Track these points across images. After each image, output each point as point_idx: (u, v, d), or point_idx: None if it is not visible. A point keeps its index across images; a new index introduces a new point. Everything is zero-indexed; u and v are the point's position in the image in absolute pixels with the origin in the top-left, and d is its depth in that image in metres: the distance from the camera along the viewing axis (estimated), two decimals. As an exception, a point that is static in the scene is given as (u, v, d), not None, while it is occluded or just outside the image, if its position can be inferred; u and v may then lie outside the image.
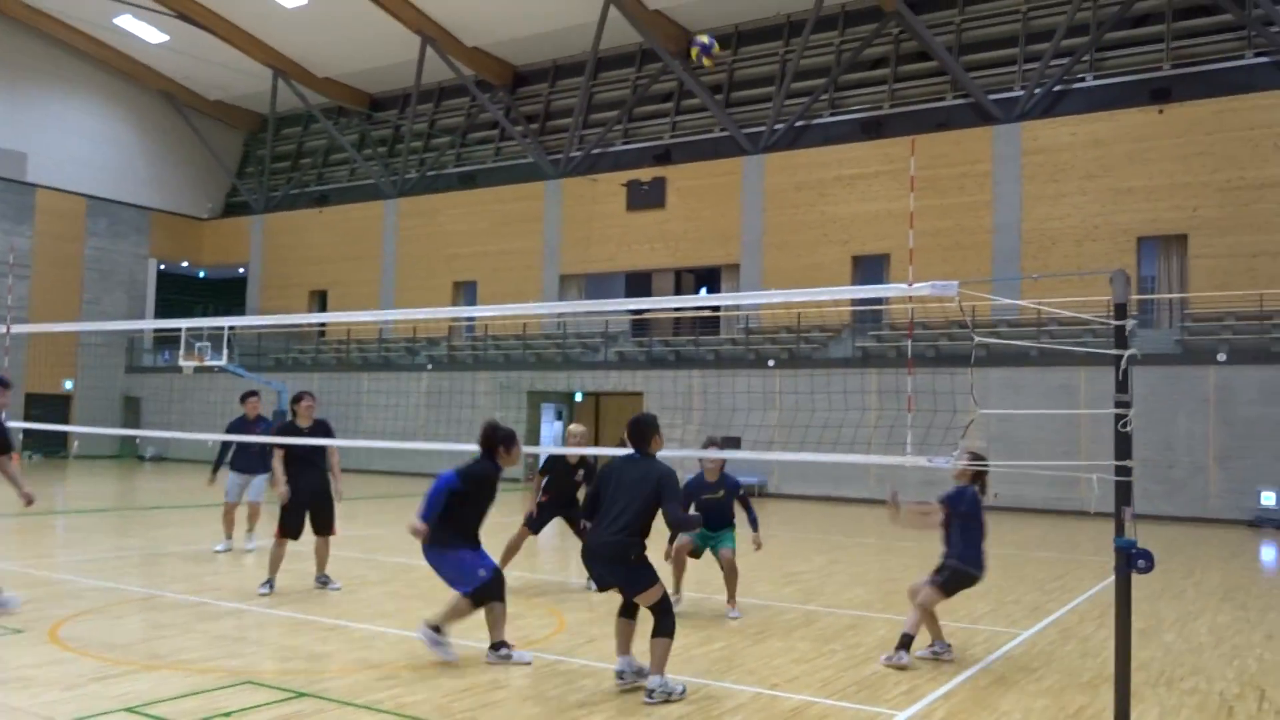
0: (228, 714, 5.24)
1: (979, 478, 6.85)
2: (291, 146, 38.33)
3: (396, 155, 34.77)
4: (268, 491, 10.23)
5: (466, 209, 32.05)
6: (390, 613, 8.14)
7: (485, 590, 6.46)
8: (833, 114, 27.59)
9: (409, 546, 12.70)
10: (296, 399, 9.10)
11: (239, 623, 7.68)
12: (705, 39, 8.99)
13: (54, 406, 32.14)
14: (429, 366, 29.05)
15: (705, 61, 9.03)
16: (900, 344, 22.81)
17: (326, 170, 37.38)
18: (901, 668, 6.59)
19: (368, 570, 10.05)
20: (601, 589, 6.06)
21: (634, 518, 5.76)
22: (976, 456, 6.72)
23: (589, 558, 5.97)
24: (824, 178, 26.28)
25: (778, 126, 27.45)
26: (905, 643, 6.66)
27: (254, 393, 11.65)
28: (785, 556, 12.57)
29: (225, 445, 11.53)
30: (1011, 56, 25.60)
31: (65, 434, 31.33)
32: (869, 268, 25.85)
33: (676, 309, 25.51)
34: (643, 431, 6.04)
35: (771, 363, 23.96)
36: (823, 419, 18.86)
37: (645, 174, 28.78)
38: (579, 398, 28.73)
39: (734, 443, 20.73)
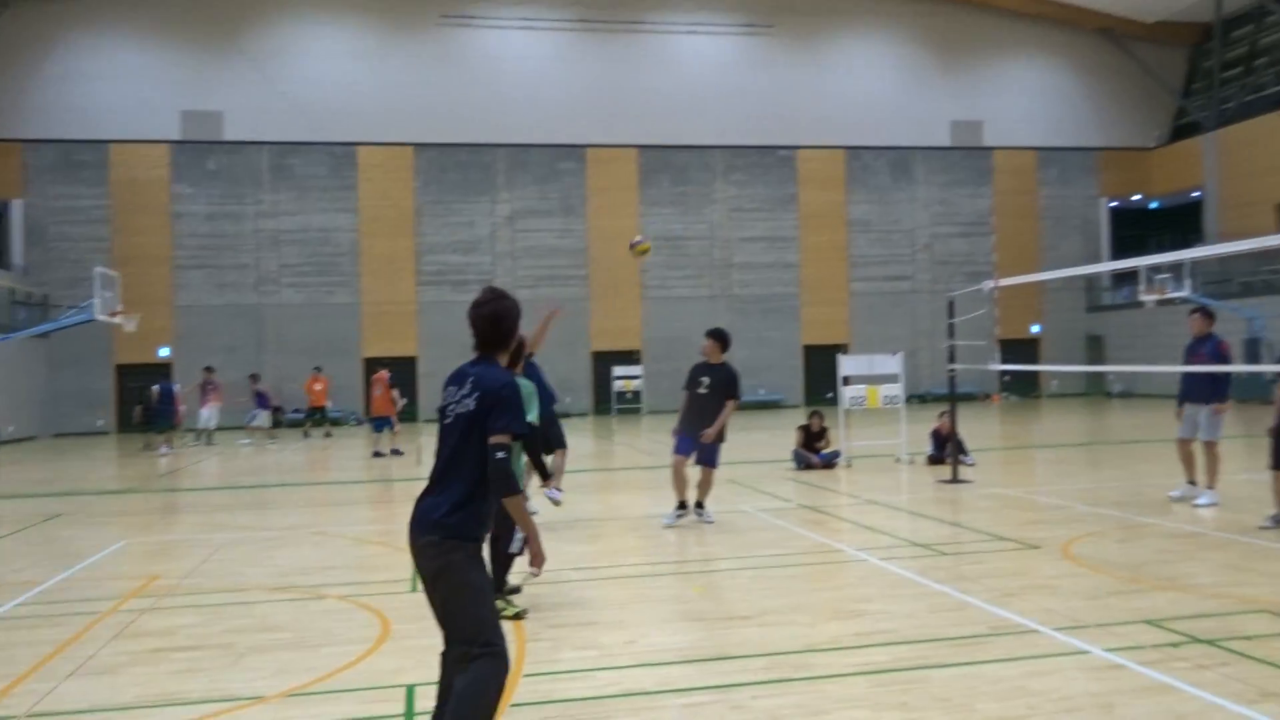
0: (1248, 637, 5.30)
1: None
2: (1243, 50, 34.92)
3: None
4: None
5: None
6: None
7: None
8: None
9: None
10: None
11: (1240, 554, 7.57)
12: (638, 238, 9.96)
13: (1022, 350, 34.77)
14: None
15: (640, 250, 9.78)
16: None
17: (1287, 68, 33.21)
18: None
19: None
20: None
21: None
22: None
23: None
24: None
25: None
26: None
27: (1200, 309, 10.68)
28: None
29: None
30: None
31: (1036, 375, 33.71)
32: None
33: None
34: None
35: None
36: None
37: None
38: None
39: None
